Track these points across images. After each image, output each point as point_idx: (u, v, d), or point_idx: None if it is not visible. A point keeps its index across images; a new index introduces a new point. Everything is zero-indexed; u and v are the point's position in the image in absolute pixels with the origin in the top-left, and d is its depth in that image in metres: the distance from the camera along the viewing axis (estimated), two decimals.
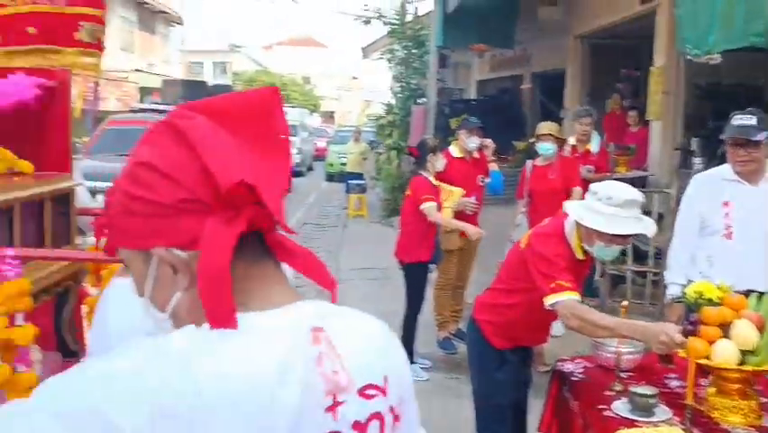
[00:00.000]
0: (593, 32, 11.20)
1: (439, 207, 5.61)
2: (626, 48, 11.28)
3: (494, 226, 6.92)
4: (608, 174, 6.48)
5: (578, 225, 2.81)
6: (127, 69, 25.04)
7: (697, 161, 7.07)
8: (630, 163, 8.30)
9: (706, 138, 7.59)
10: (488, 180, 6.19)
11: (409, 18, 14.91)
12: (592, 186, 2.89)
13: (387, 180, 13.90)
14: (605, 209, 2.71)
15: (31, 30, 2.94)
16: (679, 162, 7.82)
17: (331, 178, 22.05)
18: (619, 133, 9.63)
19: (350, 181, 14.75)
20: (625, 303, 3.36)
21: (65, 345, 2.87)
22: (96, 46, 3.12)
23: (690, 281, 3.11)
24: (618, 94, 10.92)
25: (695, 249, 3.54)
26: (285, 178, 0.98)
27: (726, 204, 3.44)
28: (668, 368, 2.84)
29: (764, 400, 2.55)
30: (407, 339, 5.52)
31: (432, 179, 5.57)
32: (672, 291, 3.55)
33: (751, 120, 3.33)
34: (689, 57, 5.87)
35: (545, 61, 13.72)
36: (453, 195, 5.87)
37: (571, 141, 6.72)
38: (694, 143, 7.83)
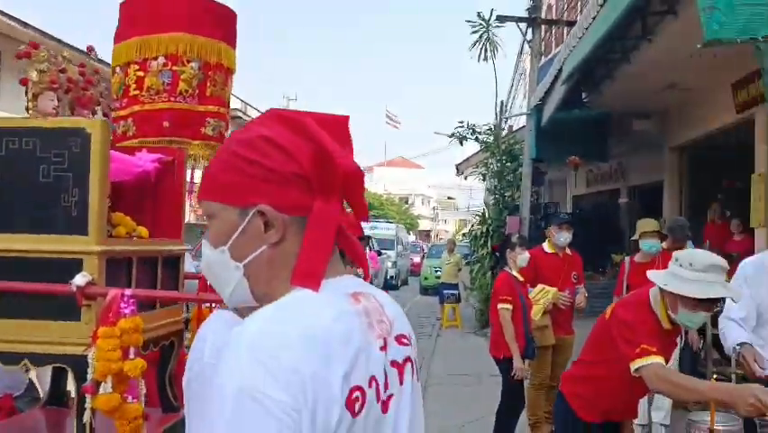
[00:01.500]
0: (689, 144, 11.15)
1: (528, 304, 5.63)
2: (725, 157, 11.13)
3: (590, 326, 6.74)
4: None
5: (663, 292, 2.82)
6: None
7: None
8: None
9: None
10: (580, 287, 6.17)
11: (503, 133, 15.31)
12: (674, 253, 2.91)
13: (481, 290, 13.86)
14: (688, 275, 2.71)
15: (165, 124, 3.35)
16: None
17: (425, 291, 22.10)
18: (721, 241, 9.37)
19: (444, 291, 14.75)
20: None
21: (167, 400, 3.06)
22: (218, 139, 3.50)
23: None
24: (718, 203, 10.71)
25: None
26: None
27: None
28: None
29: None
30: None
31: (516, 274, 5.62)
32: (736, 336, 3.40)
33: None
34: None
35: (642, 175, 13.65)
36: (548, 294, 5.88)
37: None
38: None
